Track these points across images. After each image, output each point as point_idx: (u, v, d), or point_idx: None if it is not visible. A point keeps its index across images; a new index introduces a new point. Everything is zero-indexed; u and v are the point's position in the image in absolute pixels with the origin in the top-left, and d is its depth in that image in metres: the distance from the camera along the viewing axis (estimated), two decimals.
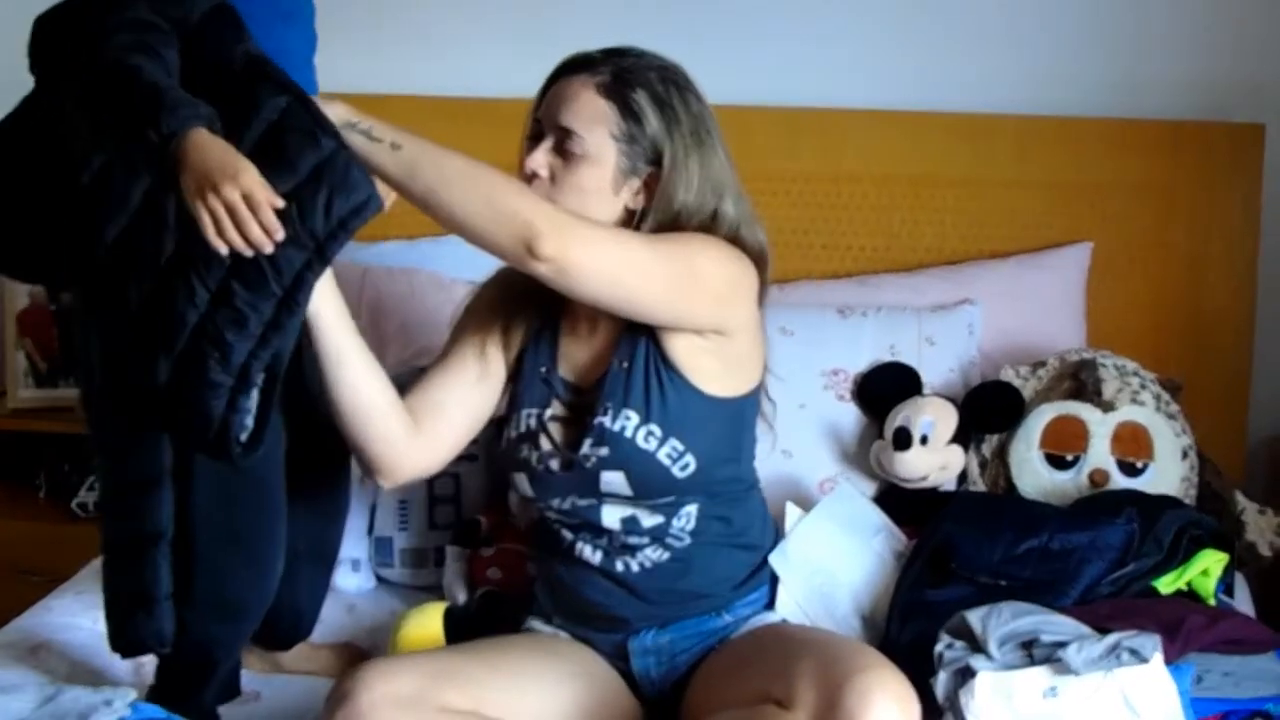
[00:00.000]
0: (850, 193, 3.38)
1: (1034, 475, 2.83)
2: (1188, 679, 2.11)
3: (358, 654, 2.66)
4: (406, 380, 3.03)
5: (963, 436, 2.86)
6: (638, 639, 2.33)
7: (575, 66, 2.25)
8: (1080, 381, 2.91)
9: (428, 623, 2.60)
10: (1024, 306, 3.23)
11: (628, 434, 2.23)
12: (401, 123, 3.37)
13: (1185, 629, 2.17)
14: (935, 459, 2.83)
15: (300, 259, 2.04)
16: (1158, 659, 2.06)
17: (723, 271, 2.22)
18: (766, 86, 3.37)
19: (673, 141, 2.21)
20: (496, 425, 2.42)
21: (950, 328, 3.15)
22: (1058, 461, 2.83)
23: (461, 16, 3.60)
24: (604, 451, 2.24)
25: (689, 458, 2.24)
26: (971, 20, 3.40)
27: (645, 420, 2.23)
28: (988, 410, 2.90)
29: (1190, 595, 2.45)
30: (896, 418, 2.86)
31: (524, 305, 2.37)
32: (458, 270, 3.42)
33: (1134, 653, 2.04)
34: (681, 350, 2.25)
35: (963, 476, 2.89)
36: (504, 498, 2.91)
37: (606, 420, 2.24)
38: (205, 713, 2.39)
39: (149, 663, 2.49)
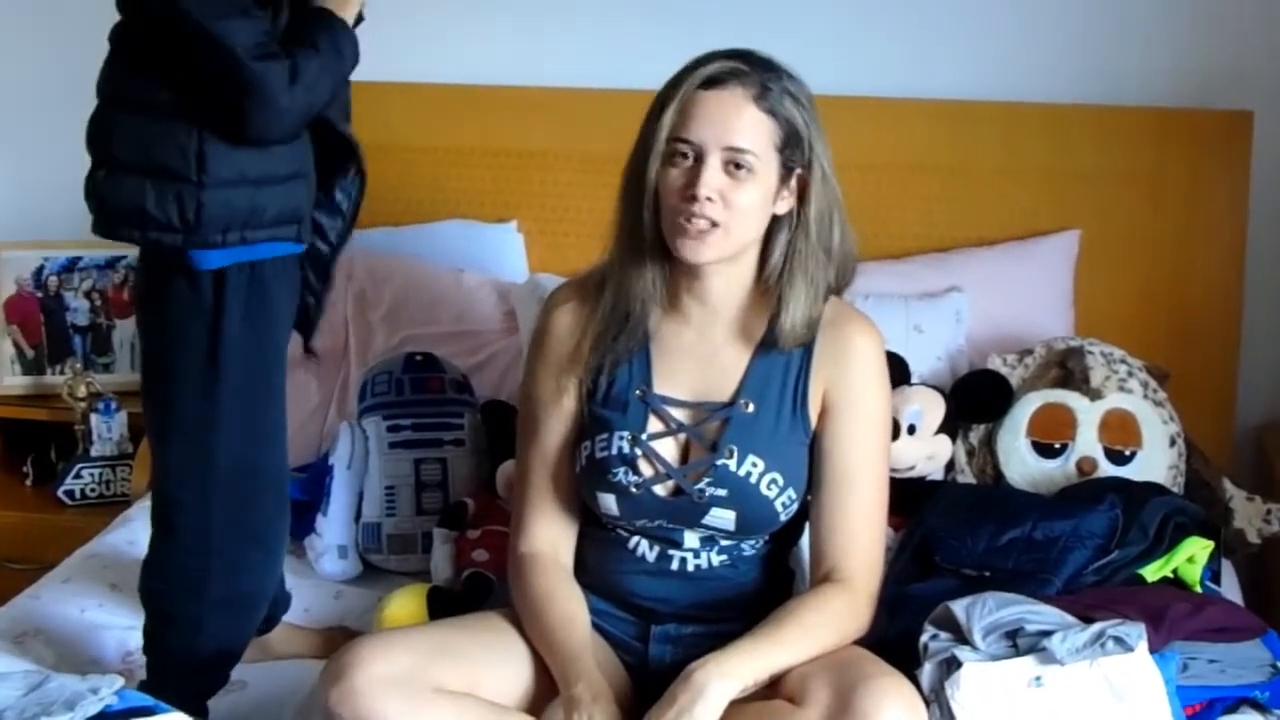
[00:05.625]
0: (837, 180, 3.36)
1: (1021, 464, 2.83)
2: (1173, 667, 2.11)
3: (348, 635, 2.66)
4: (394, 368, 3.05)
5: (950, 426, 2.86)
6: (661, 628, 2.31)
7: (719, 80, 2.16)
8: (1067, 369, 2.91)
9: (410, 604, 2.61)
10: (1011, 294, 3.23)
11: (752, 480, 2.21)
12: (395, 109, 3.40)
13: (1170, 617, 2.17)
14: (923, 449, 2.83)
15: None
16: (1143, 647, 2.06)
17: None
18: None
19: (817, 145, 2.19)
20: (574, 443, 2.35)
21: (938, 315, 3.15)
22: (1045, 450, 2.83)
23: (455, 4, 3.59)
24: (722, 492, 2.21)
25: (795, 503, 2.25)
26: (958, 7, 3.40)
27: (770, 468, 2.22)
28: (976, 400, 2.89)
29: (1176, 583, 2.45)
30: None
31: (600, 324, 2.30)
32: (443, 258, 3.43)
33: (1119, 641, 2.05)
34: (815, 400, 2.25)
35: (950, 465, 2.89)
36: (491, 482, 2.91)
37: (731, 464, 2.21)
38: (203, 710, 2.40)
39: (136, 651, 2.50)
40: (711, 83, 2.16)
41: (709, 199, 2.13)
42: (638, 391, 2.28)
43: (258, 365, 2.35)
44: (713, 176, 2.14)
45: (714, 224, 2.15)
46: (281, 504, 2.46)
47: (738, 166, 2.14)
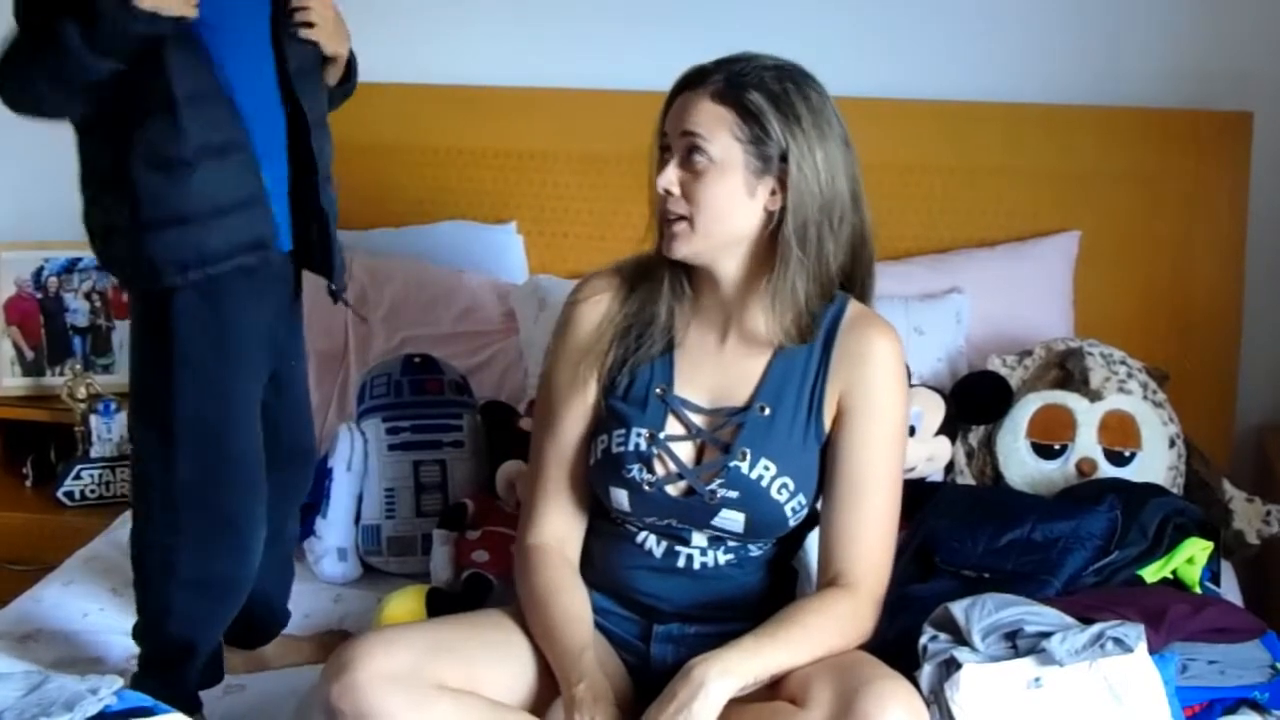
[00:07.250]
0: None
1: (1021, 465, 2.84)
2: (1172, 668, 2.11)
3: (344, 639, 2.65)
4: (393, 369, 3.05)
5: (950, 427, 2.86)
6: (664, 628, 2.31)
7: (689, 82, 2.22)
8: (1067, 371, 2.91)
9: (410, 605, 2.61)
10: (1011, 295, 3.23)
11: (764, 483, 2.21)
12: (395, 109, 3.41)
13: (1169, 618, 2.16)
14: (923, 450, 2.83)
15: None
16: (1142, 648, 2.06)
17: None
18: None
19: (795, 136, 2.17)
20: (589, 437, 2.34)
21: (938, 317, 3.15)
22: (1045, 451, 2.83)
23: (455, 4, 3.59)
24: (733, 494, 2.21)
25: (805, 508, 2.25)
26: (958, 8, 3.40)
27: (781, 472, 2.22)
28: (976, 401, 2.89)
29: (1175, 584, 2.45)
30: None
31: (626, 320, 2.31)
32: (443, 258, 3.43)
33: (1118, 642, 2.04)
34: (830, 404, 2.25)
35: (950, 466, 2.89)
36: (490, 483, 2.91)
37: (744, 466, 2.21)
38: (189, 699, 2.40)
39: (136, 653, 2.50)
40: (684, 85, 2.22)
41: (668, 191, 2.18)
42: (658, 390, 2.28)
43: (214, 336, 2.36)
44: (670, 170, 2.18)
45: (681, 218, 2.18)
46: (252, 485, 2.44)
47: (692, 159, 2.16)
